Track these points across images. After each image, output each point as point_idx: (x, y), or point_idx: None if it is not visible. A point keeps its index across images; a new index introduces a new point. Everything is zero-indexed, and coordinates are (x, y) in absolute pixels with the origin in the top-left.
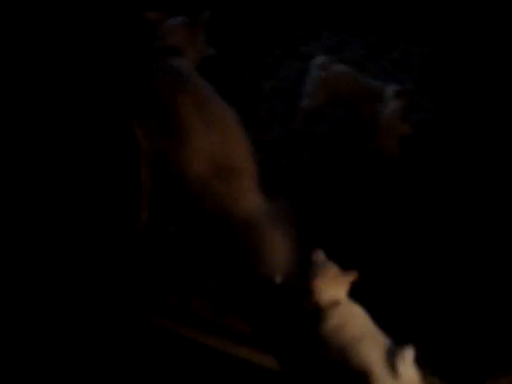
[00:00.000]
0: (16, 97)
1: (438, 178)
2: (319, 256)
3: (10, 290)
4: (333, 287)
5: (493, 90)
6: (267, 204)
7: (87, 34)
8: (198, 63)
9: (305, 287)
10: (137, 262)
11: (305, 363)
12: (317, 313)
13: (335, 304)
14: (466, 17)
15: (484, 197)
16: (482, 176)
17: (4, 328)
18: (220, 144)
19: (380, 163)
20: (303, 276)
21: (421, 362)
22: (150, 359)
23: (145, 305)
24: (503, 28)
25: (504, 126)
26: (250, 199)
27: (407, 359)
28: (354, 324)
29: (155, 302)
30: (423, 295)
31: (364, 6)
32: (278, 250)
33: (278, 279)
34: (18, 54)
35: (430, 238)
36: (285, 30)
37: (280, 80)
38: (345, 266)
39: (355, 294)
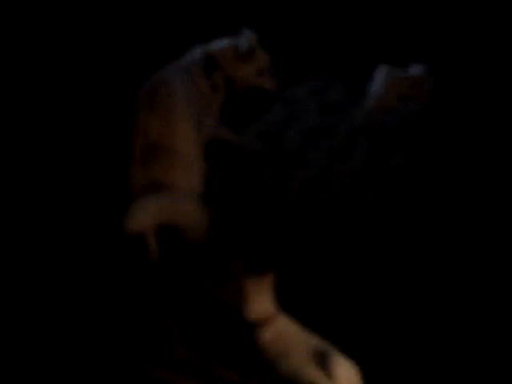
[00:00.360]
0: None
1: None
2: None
3: None
4: (263, 303)
5: (464, 137)
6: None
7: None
8: (241, 90)
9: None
10: (121, 307)
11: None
12: (252, 328)
13: (268, 319)
14: (442, 64)
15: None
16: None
17: None
18: (158, 125)
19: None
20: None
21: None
22: None
23: (129, 352)
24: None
25: (475, 174)
26: (185, 180)
27: (342, 362)
28: (287, 336)
29: (140, 349)
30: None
31: (345, 52)
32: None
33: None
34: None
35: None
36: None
37: (265, 123)
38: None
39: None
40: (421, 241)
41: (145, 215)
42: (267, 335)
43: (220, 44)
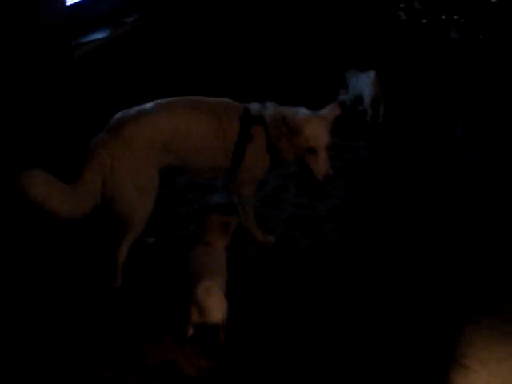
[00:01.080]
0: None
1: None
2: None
3: None
4: (218, 236)
5: (395, 175)
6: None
7: None
8: (286, 161)
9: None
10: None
11: None
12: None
13: (208, 244)
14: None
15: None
16: (394, 259)
17: None
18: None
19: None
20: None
21: None
22: None
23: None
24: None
25: (409, 210)
26: (101, 153)
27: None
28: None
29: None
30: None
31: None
32: None
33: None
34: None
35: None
36: None
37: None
38: None
39: None
40: (352, 286)
41: (35, 182)
42: (203, 250)
43: (280, 109)
